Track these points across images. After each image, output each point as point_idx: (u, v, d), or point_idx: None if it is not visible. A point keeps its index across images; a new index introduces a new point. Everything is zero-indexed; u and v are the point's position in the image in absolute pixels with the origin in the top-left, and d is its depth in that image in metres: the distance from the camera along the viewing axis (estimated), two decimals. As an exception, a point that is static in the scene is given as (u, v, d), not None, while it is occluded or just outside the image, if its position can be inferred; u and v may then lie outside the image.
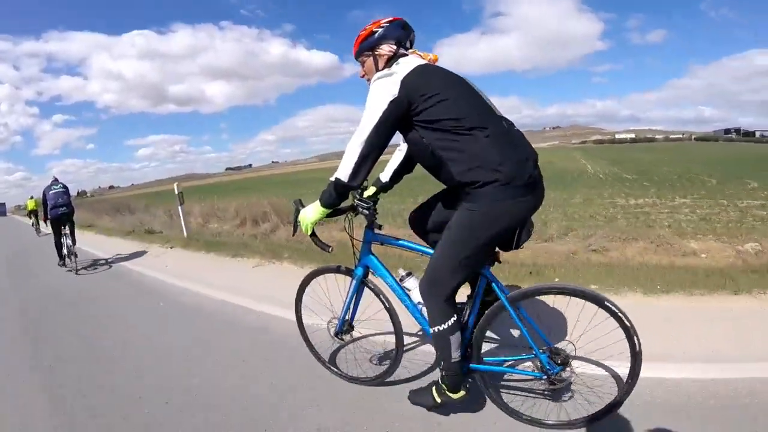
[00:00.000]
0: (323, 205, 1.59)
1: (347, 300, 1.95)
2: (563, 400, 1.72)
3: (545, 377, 1.59)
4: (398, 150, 1.94)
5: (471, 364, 1.66)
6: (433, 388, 1.70)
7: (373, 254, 1.85)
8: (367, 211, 1.75)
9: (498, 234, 1.45)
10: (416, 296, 1.76)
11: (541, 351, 1.58)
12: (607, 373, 1.85)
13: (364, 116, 1.48)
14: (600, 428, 1.56)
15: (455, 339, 1.57)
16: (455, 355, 1.58)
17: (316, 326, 2.17)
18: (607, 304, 1.46)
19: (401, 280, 1.83)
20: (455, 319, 1.56)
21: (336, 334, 2.04)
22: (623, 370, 1.54)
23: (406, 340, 2.06)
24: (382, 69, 1.57)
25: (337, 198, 1.56)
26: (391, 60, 1.58)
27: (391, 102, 1.44)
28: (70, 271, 5.63)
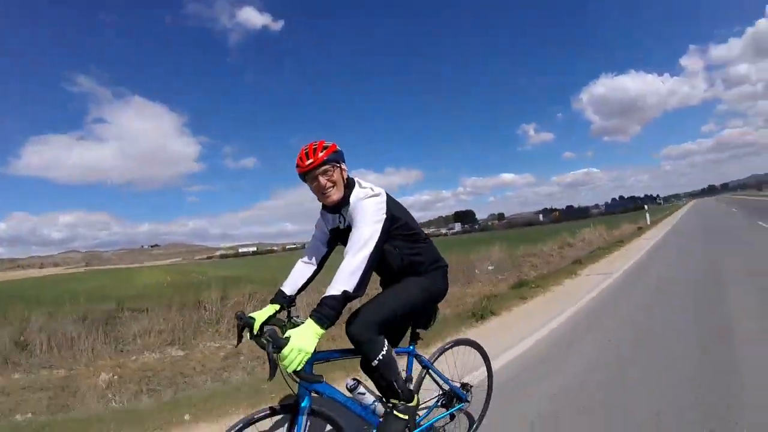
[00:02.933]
0: (325, 325, 1.43)
1: None
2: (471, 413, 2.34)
3: (465, 404, 2.20)
4: (303, 262, 2.00)
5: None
6: (394, 412, 1.77)
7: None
8: None
9: (434, 299, 1.95)
10: (370, 399, 1.83)
11: (457, 387, 2.18)
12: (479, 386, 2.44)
13: (366, 231, 1.62)
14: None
15: (394, 355, 1.78)
16: (399, 369, 1.79)
17: None
18: (478, 342, 2.35)
19: (351, 389, 1.81)
20: (386, 340, 1.76)
21: None
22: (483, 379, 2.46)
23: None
24: (344, 185, 1.79)
25: (339, 314, 1.47)
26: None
27: (386, 219, 1.69)
28: None
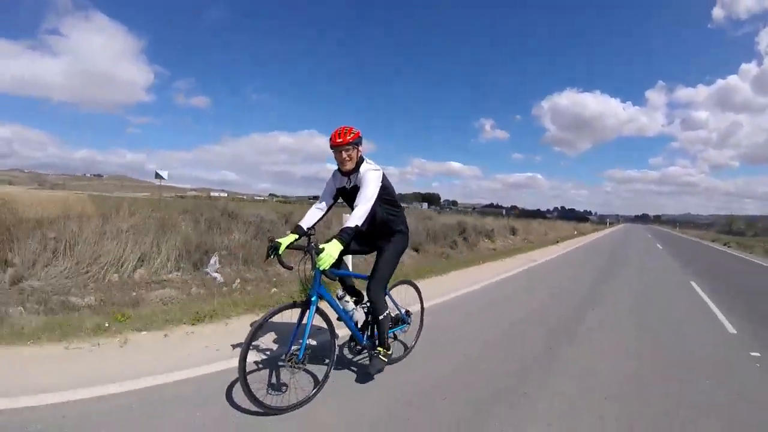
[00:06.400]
0: (344, 243, 2.21)
1: (308, 325, 2.28)
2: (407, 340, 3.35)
3: (407, 325, 3.24)
4: (317, 208, 2.68)
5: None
6: (379, 356, 2.62)
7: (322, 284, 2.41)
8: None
9: (403, 253, 2.82)
10: (351, 306, 2.78)
11: (403, 312, 3.18)
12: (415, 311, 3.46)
13: (370, 191, 2.38)
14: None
15: (389, 316, 2.66)
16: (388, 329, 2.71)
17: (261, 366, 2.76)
18: (416, 283, 3.56)
19: (340, 298, 2.72)
20: (387, 303, 2.65)
21: (301, 362, 2.29)
22: (417, 308, 3.52)
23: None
24: (358, 161, 2.51)
25: (352, 238, 2.26)
26: None
27: (380, 186, 2.46)
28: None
